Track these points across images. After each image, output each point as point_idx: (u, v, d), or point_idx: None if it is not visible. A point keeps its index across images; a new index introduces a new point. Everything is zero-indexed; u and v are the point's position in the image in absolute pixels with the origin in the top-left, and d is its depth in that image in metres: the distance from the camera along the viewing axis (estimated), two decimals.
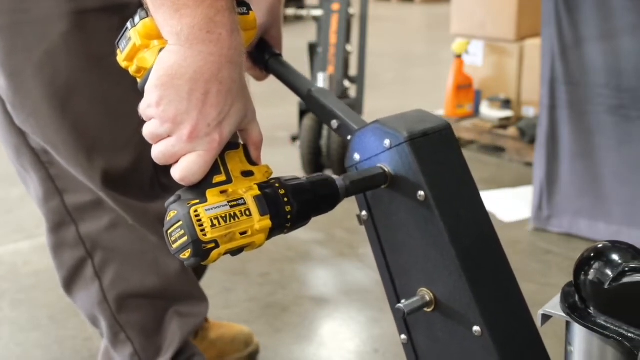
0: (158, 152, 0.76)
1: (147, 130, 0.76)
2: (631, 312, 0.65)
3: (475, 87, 3.71)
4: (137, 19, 0.76)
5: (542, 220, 2.60)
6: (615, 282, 0.65)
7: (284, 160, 3.41)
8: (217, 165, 0.77)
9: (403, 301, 0.84)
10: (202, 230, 0.72)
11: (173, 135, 0.74)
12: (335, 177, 0.81)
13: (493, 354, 0.79)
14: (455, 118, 3.69)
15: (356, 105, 3.22)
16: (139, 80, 0.78)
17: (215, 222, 0.73)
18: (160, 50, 0.74)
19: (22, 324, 2.08)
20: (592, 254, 0.68)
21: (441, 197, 0.81)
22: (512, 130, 3.44)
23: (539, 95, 2.60)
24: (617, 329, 0.65)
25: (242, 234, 0.75)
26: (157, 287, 1.44)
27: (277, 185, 0.78)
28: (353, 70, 3.33)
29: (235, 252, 0.77)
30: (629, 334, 0.64)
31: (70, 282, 1.46)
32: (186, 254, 0.73)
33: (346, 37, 3.26)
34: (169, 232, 0.75)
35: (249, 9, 0.82)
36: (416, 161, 0.80)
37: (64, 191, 1.37)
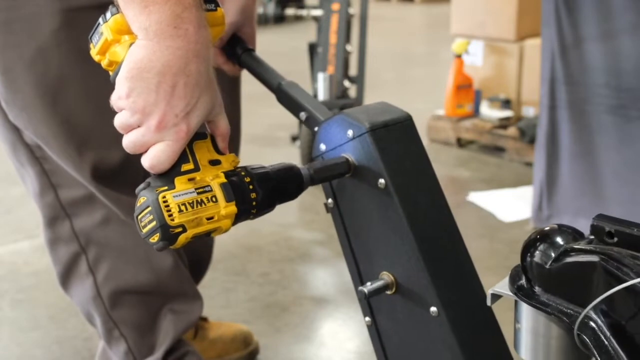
0: (128, 142, 0.79)
1: (118, 121, 0.79)
2: (570, 290, 0.68)
3: (475, 87, 3.71)
4: (108, 14, 0.80)
5: (542, 220, 2.60)
6: (557, 262, 0.68)
7: (284, 160, 3.41)
8: (186, 154, 0.81)
9: (365, 284, 0.88)
10: (170, 215, 0.76)
11: (142, 126, 0.78)
12: (300, 166, 0.85)
13: (449, 332, 0.84)
14: (455, 118, 3.69)
15: (356, 105, 3.22)
16: (110, 73, 0.82)
17: (183, 207, 0.77)
18: (131, 44, 0.78)
19: (22, 324, 2.08)
20: (537, 237, 0.71)
21: (400, 185, 0.85)
22: (512, 130, 3.44)
23: (539, 95, 2.60)
24: (557, 306, 0.69)
25: (208, 219, 0.78)
26: (150, 283, 1.44)
27: (242, 173, 0.82)
28: (353, 70, 3.33)
29: (202, 236, 0.80)
30: (568, 310, 0.68)
31: (65, 278, 1.47)
32: (155, 238, 0.77)
33: (346, 37, 3.26)
34: (139, 217, 0.79)
35: (217, 5, 0.85)
36: (377, 151, 0.84)
37: (58, 186, 1.39)
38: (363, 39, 3.31)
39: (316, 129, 0.94)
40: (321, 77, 3.06)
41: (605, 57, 2.34)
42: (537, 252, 0.70)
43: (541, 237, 0.71)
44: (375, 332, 0.94)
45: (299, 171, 0.85)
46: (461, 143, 3.72)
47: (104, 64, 0.82)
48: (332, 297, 2.22)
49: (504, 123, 3.53)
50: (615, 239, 0.66)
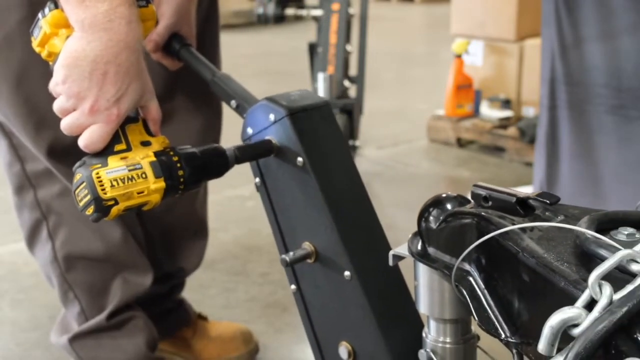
0: (65, 125, 0.90)
1: (56, 106, 0.90)
2: (452, 248, 0.77)
3: (475, 87, 3.71)
4: (47, 10, 0.89)
5: None
6: (444, 223, 0.77)
7: None
8: (118, 136, 0.90)
9: (288, 253, 0.97)
10: (103, 189, 0.84)
11: (77, 109, 0.88)
12: (226, 147, 0.94)
13: (360, 293, 0.92)
14: (455, 118, 3.69)
15: (356, 105, 3.22)
16: (50, 63, 0.90)
17: (115, 182, 0.85)
18: (67, 37, 0.87)
19: (22, 324, 2.08)
20: (430, 202, 0.80)
21: (317, 163, 0.93)
22: (512, 130, 3.44)
23: (539, 95, 2.60)
24: (443, 262, 0.78)
25: (139, 193, 0.86)
26: (101, 252, 1.53)
27: (171, 153, 0.90)
28: (353, 70, 3.33)
29: (134, 209, 0.87)
30: (450, 265, 0.76)
31: (30, 241, 1.59)
32: (90, 210, 0.85)
33: (346, 37, 3.26)
34: (76, 192, 0.87)
35: (148, 2, 0.94)
36: (295, 132, 0.93)
37: (24, 159, 1.50)
38: (363, 39, 3.31)
39: (245, 115, 1.02)
40: (321, 77, 3.06)
41: (605, 57, 2.34)
42: (430, 216, 0.79)
43: (433, 204, 0.80)
44: (300, 298, 1.02)
45: (224, 151, 0.93)
46: (461, 143, 3.72)
47: (43, 55, 0.91)
48: None
49: (504, 123, 3.53)
50: (490, 203, 0.75)
